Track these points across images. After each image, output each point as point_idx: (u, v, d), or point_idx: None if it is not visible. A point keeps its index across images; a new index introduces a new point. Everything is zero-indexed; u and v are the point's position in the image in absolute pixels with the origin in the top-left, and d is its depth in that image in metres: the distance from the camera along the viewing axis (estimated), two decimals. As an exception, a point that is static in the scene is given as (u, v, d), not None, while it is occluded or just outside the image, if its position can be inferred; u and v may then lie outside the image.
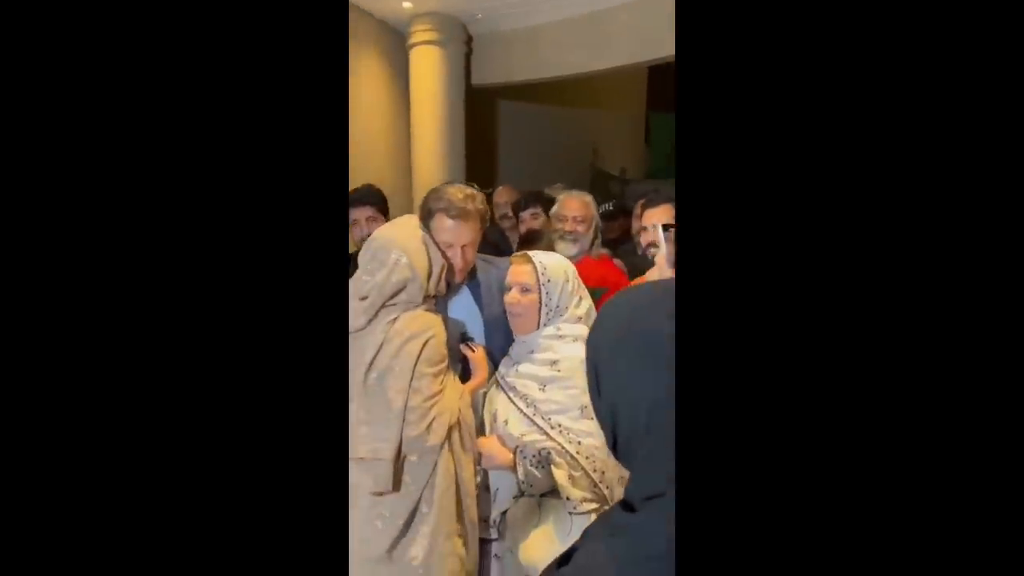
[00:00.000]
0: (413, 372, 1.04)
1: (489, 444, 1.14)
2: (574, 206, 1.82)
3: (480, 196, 1.27)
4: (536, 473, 1.05)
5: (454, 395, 1.11)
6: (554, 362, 1.12)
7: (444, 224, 1.19)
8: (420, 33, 3.14)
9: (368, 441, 1.03)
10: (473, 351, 1.24)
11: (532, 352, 1.16)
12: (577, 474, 1.05)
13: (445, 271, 1.19)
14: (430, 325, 1.10)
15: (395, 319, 1.08)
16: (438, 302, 1.21)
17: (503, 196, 2.80)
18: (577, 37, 3.07)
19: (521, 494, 1.10)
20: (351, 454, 1.04)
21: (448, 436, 1.06)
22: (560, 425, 1.08)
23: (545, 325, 1.16)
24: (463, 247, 1.21)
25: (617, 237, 2.42)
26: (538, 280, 1.15)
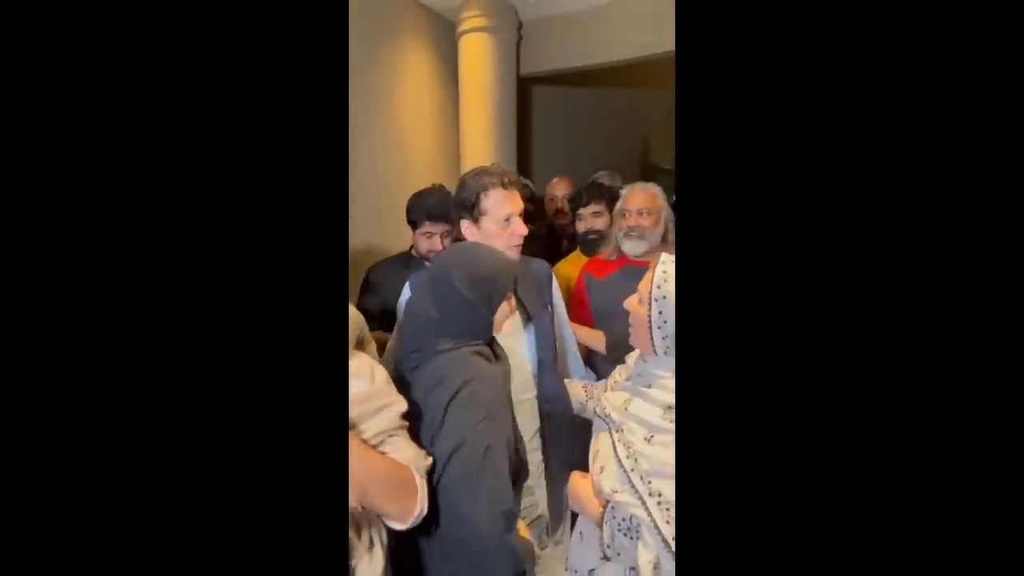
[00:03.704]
0: None
1: (580, 487, 0.95)
2: (638, 199, 1.67)
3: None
4: (624, 542, 0.84)
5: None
6: (669, 407, 0.87)
7: (501, 196, 1.18)
8: (470, 20, 2.96)
9: None
10: None
11: (649, 386, 0.92)
12: (669, 567, 0.78)
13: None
14: None
15: None
16: None
17: (560, 188, 2.50)
18: (644, 13, 2.79)
19: (606, 558, 0.88)
20: None
21: None
22: (660, 494, 0.82)
23: (666, 353, 0.90)
24: (519, 216, 1.21)
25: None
26: (651, 292, 0.90)
